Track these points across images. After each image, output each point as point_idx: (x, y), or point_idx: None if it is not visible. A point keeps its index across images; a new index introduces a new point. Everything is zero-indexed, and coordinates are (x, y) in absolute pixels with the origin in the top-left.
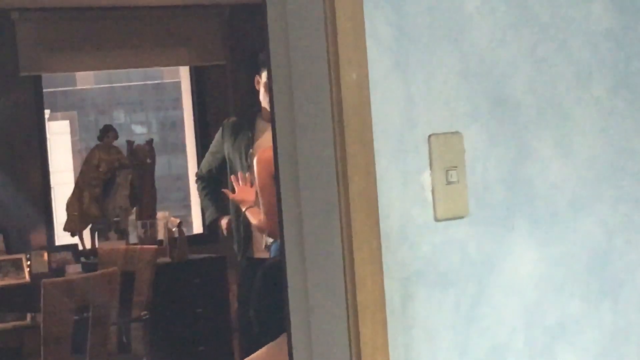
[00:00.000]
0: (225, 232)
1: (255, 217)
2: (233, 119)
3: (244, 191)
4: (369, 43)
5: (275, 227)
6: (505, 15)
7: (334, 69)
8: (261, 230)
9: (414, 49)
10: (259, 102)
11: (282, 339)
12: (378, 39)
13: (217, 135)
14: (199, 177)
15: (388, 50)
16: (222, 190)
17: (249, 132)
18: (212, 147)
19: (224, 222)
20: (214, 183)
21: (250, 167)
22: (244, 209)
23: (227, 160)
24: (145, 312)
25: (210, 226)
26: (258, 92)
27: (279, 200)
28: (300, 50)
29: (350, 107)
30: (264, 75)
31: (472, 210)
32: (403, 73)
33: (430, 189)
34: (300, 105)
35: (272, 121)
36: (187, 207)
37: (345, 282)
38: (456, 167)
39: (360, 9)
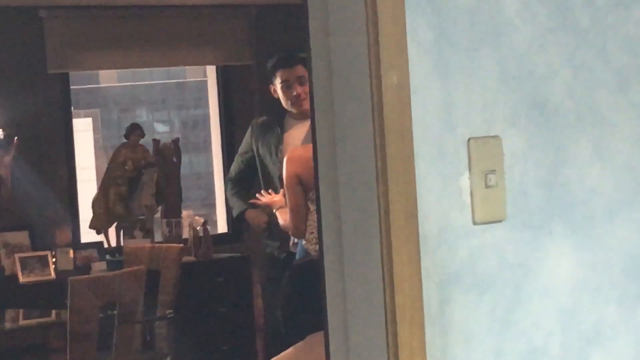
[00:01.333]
0: (254, 224)
1: (282, 217)
2: (262, 118)
3: (272, 196)
4: (409, 46)
5: (299, 225)
6: (545, 19)
7: (375, 72)
8: (286, 229)
9: (454, 52)
10: (283, 108)
11: (309, 339)
12: (418, 42)
13: (247, 136)
14: (229, 180)
15: (428, 53)
16: (251, 200)
17: (277, 128)
18: (242, 148)
19: (251, 214)
20: (244, 184)
21: (280, 163)
22: (274, 210)
23: (257, 158)
24: (170, 311)
25: (237, 221)
26: (277, 99)
27: (317, 201)
28: (342, 52)
29: (390, 110)
30: (277, 82)
31: (510, 214)
32: (443, 76)
33: (469, 192)
34: (340, 107)
35: (312, 123)
36: (209, 205)
37: (384, 284)
38: (495, 170)
39: (402, 12)
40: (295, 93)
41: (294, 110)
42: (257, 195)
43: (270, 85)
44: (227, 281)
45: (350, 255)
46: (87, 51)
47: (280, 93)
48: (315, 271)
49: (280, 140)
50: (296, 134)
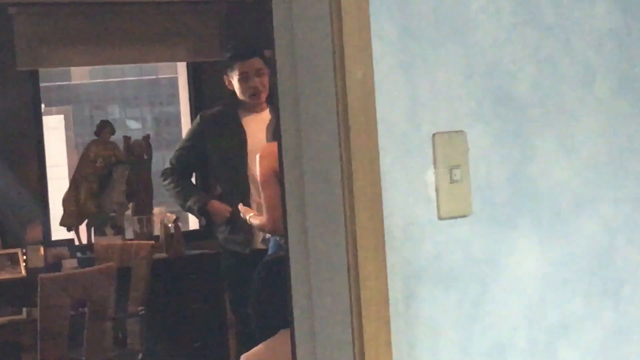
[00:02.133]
0: (218, 213)
1: (258, 219)
2: (212, 110)
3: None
4: (374, 42)
5: (276, 222)
6: (510, 15)
7: (340, 68)
8: (263, 228)
9: (419, 48)
10: (237, 100)
11: (281, 334)
12: (383, 37)
13: (196, 128)
14: (170, 171)
15: (393, 49)
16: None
17: (239, 121)
18: (188, 140)
19: (215, 205)
20: (187, 176)
21: (246, 159)
22: (247, 217)
23: (206, 151)
24: (142, 308)
25: (199, 213)
26: (232, 91)
27: (283, 197)
28: (306, 48)
29: (355, 106)
30: (234, 73)
31: (476, 209)
32: (408, 72)
33: (434, 187)
34: (305, 103)
35: (277, 118)
36: None
37: (349, 279)
38: (460, 165)
39: (366, 7)
40: (253, 85)
41: (251, 102)
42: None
43: (225, 77)
44: (199, 278)
45: (315, 251)
46: (57, 48)
47: (237, 85)
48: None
49: (244, 136)
50: (254, 127)
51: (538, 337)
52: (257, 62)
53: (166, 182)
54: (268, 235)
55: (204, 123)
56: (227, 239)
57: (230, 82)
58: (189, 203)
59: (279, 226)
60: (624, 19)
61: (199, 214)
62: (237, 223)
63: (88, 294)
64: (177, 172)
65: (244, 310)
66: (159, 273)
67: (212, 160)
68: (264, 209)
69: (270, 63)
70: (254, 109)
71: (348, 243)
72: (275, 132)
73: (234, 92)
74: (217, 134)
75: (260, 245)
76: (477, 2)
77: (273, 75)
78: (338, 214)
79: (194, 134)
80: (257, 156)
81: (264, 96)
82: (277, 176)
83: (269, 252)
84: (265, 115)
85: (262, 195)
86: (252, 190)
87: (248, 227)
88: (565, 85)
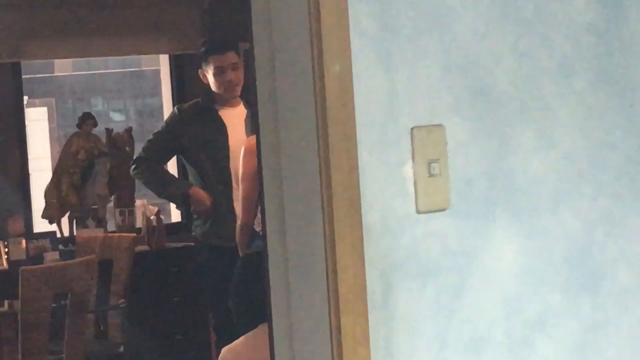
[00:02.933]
0: (200, 201)
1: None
2: (187, 104)
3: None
4: (352, 35)
5: (249, 218)
6: (488, 8)
7: (318, 61)
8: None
9: (397, 41)
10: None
11: (261, 328)
12: (361, 31)
13: (173, 119)
14: (142, 159)
15: (371, 42)
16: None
17: (219, 124)
18: (163, 131)
19: (197, 191)
20: (160, 163)
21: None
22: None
23: (188, 148)
24: (123, 300)
25: (180, 199)
26: (207, 84)
27: (261, 191)
28: (284, 41)
29: (333, 99)
30: (209, 67)
31: (454, 203)
32: (386, 65)
33: (412, 181)
34: (283, 97)
35: (254, 114)
36: None
37: (327, 273)
38: (438, 159)
39: (345, 1)
40: (228, 79)
41: (226, 96)
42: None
43: (200, 71)
44: (181, 271)
45: (293, 245)
46: (40, 40)
47: (212, 79)
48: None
49: (225, 129)
50: (233, 121)
51: (516, 331)
52: (232, 56)
53: (138, 169)
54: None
55: (181, 114)
56: (206, 233)
57: (205, 76)
58: (170, 189)
59: (251, 220)
60: (602, 12)
61: (181, 201)
62: (218, 215)
63: (69, 286)
64: (151, 160)
65: (223, 304)
66: (140, 265)
67: (191, 152)
68: (240, 202)
69: (246, 56)
70: (229, 103)
71: (326, 237)
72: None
73: (208, 87)
74: (195, 126)
75: None
76: None
77: (251, 68)
78: (316, 208)
79: (170, 124)
80: (242, 149)
81: (238, 89)
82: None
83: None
84: (241, 109)
85: (240, 187)
86: (234, 182)
87: (231, 220)
88: (543, 79)
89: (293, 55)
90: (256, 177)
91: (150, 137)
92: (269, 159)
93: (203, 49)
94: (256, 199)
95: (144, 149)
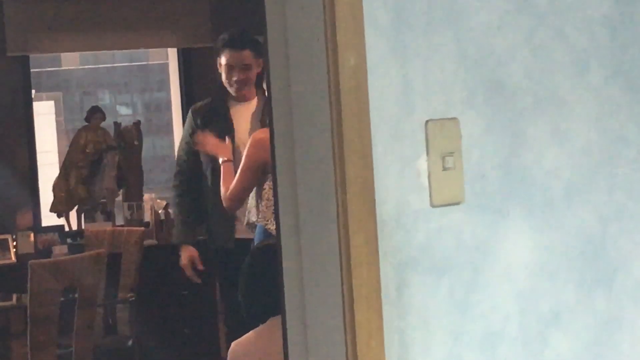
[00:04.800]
0: (184, 262)
1: (224, 179)
2: (200, 103)
3: (216, 141)
4: (366, 29)
5: (235, 206)
6: (503, 1)
7: (332, 54)
8: (222, 199)
9: (412, 34)
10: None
11: (271, 322)
12: (376, 24)
13: (189, 123)
14: (178, 174)
15: (385, 35)
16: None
17: (227, 113)
18: (187, 137)
19: (185, 254)
20: (192, 185)
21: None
22: (221, 161)
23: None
24: (132, 294)
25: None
26: (220, 75)
27: (275, 185)
28: (298, 34)
29: (347, 93)
30: (224, 57)
31: (468, 197)
32: (400, 58)
33: (427, 175)
34: (297, 90)
35: (269, 106)
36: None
37: (341, 267)
38: (453, 153)
39: None
40: (235, 78)
41: (232, 93)
42: (199, 134)
43: (217, 59)
44: None
45: (307, 239)
46: (48, 34)
47: (222, 73)
48: (275, 254)
49: (231, 128)
50: (241, 118)
51: (530, 326)
52: (247, 55)
53: (173, 185)
54: (253, 219)
55: (194, 115)
56: (208, 239)
57: (220, 65)
58: (175, 230)
59: (234, 209)
60: (617, 6)
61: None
62: (221, 218)
63: (78, 280)
64: (183, 175)
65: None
66: (149, 259)
67: (202, 154)
68: (233, 189)
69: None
70: (241, 98)
71: (340, 231)
72: (262, 121)
73: (222, 82)
74: (206, 127)
75: (243, 234)
76: None
77: (265, 61)
78: (330, 202)
79: (187, 129)
80: (249, 143)
81: (246, 89)
82: (263, 168)
83: (256, 239)
84: (254, 103)
85: (237, 176)
86: None
87: (229, 220)
88: (558, 72)
89: (307, 48)
90: (258, 171)
91: (178, 149)
92: (282, 152)
93: (221, 41)
94: (250, 191)
95: (177, 160)
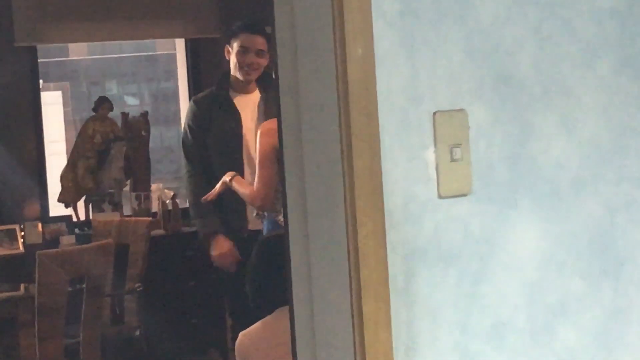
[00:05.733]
0: (221, 258)
1: (243, 187)
2: (204, 93)
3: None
4: (374, 20)
5: (267, 199)
6: None
7: (340, 44)
8: (252, 200)
9: (419, 25)
10: (227, 79)
11: (278, 313)
12: (384, 14)
13: (191, 113)
14: (186, 163)
15: (393, 26)
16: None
17: (233, 112)
18: (196, 120)
19: (220, 244)
20: (206, 169)
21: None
22: (228, 179)
23: (206, 139)
24: (139, 284)
25: (205, 239)
26: (226, 67)
27: (283, 176)
28: (306, 24)
29: (355, 83)
30: (235, 44)
31: (476, 188)
32: (408, 49)
33: (434, 166)
34: (305, 81)
35: (277, 97)
36: (179, 179)
37: (349, 257)
38: (460, 144)
39: None
40: (249, 61)
41: (239, 77)
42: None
43: (226, 47)
44: (196, 255)
45: (315, 230)
46: (56, 24)
47: (234, 57)
48: (283, 245)
49: (238, 117)
50: (246, 108)
51: (537, 317)
52: (261, 41)
53: (187, 173)
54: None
55: (197, 105)
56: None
57: (229, 53)
58: (203, 222)
59: (268, 204)
60: None
61: (202, 241)
62: (229, 207)
63: (86, 270)
64: (193, 162)
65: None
66: (156, 249)
67: (209, 143)
68: (259, 185)
69: (268, 40)
70: (244, 89)
71: (348, 222)
72: (266, 113)
73: (226, 71)
74: (211, 117)
75: (253, 225)
76: None
77: (273, 52)
78: (338, 192)
79: (195, 115)
80: (258, 133)
81: (255, 75)
82: (277, 154)
83: (264, 230)
84: (255, 95)
85: (258, 171)
86: (247, 172)
87: (241, 210)
88: (566, 63)
89: (315, 39)
90: (275, 159)
91: (183, 137)
92: (290, 143)
93: (236, 25)
94: (275, 178)
95: (183, 149)
